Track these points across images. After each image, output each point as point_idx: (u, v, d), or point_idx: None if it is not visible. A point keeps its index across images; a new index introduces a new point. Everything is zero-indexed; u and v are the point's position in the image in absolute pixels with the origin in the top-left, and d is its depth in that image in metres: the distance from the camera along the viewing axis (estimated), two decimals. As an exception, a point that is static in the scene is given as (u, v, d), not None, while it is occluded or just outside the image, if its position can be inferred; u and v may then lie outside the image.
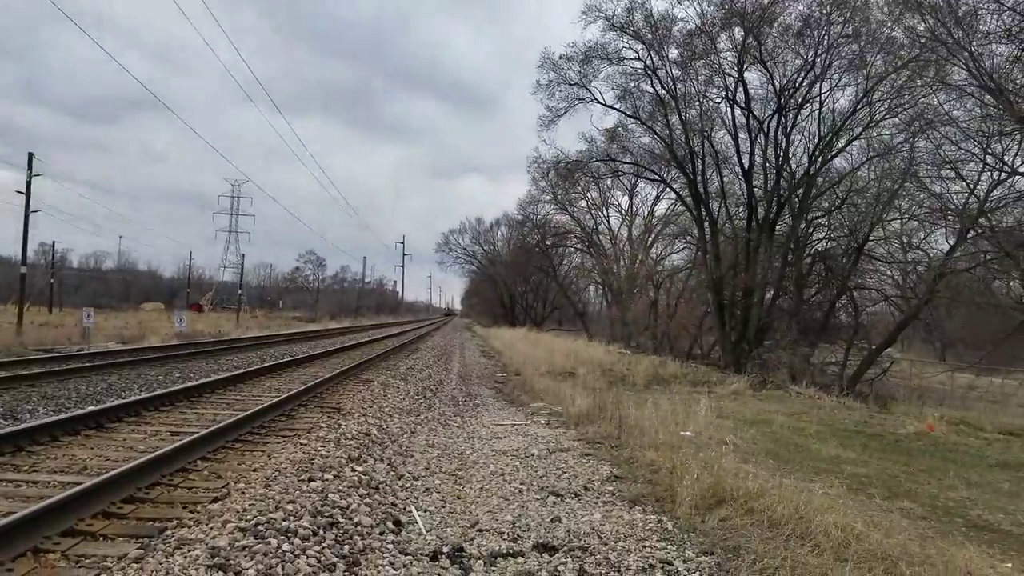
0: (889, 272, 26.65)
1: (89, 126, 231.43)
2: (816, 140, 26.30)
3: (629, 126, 33.17)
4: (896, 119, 23.93)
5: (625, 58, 29.45)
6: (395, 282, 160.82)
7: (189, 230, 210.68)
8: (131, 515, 4.94)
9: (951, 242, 22.79)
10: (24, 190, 28.86)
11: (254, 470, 6.29)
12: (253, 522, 4.65)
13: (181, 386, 11.27)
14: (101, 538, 4.49)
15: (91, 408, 8.62)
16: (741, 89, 27.17)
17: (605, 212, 49.81)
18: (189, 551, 4.14)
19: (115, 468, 5.77)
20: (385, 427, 9.26)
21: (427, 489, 6.61)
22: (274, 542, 4.37)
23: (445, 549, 4.91)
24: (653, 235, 45.64)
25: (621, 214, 50.23)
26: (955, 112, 21.37)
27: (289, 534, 4.55)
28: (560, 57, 30.62)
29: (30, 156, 29.03)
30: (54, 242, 67.00)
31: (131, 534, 4.56)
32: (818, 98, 26.04)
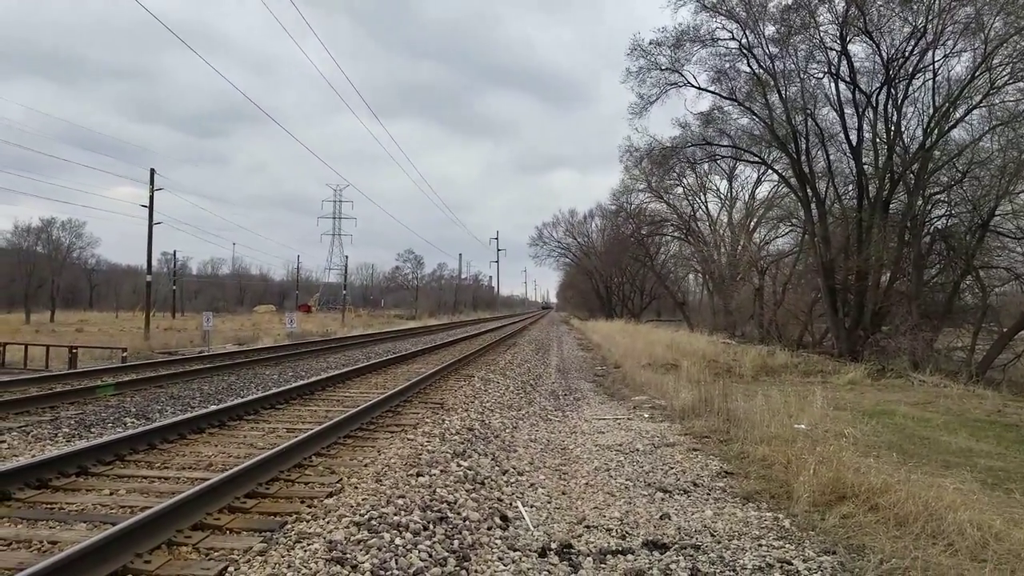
0: (1020, 249, 24.63)
1: (199, 139, 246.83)
2: (931, 111, 24.60)
3: (725, 108, 32.10)
4: (1021, 83, 22.06)
5: (719, 39, 28.50)
6: (490, 277, 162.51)
7: (296, 235, 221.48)
8: (253, 510, 5.20)
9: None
10: (148, 204, 31.02)
11: (365, 465, 6.50)
12: (367, 516, 4.79)
13: (294, 384, 11.81)
14: (228, 532, 4.74)
15: (214, 407, 9.15)
16: (845, 63, 25.76)
17: (703, 198, 48.52)
18: (308, 545, 4.31)
19: (238, 464, 6.09)
20: (488, 422, 9.38)
21: (532, 484, 6.63)
22: (387, 536, 4.49)
23: (553, 545, 4.90)
24: (755, 219, 44.09)
25: (720, 199, 48.86)
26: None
27: (401, 528, 4.66)
28: (650, 43, 29.95)
29: (151, 172, 31.19)
30: (175, 251, 71.41)
31: (254, 528, 4.79)
32: (931, 67, 24.33)
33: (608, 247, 66.71)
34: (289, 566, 3.99)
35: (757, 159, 34.66)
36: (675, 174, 44.01)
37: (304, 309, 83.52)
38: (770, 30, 27.34)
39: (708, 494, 6.27)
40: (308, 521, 4.81)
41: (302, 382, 12.19)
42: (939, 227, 26.21)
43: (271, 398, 10.17)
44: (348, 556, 4.14)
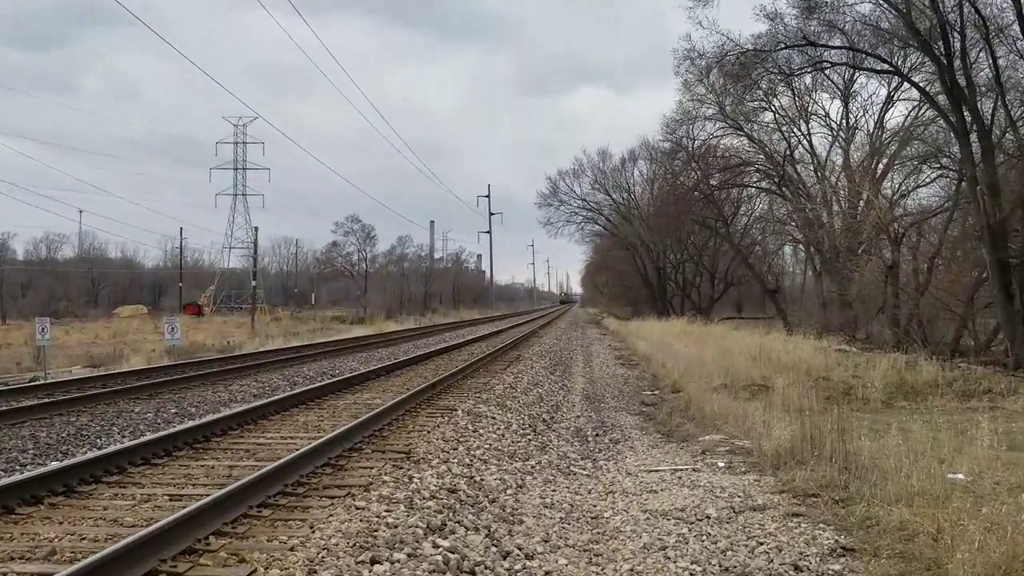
0: None
1: (27, 52, 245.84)
2: None
3: (836, -12, 32.04)
4: None
5: None
6: (479, 257, 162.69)
7: (181, 197, 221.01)
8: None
9: None
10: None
11: (292, 549, 6.53)
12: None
13: (179, 427, 11.78)
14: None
15: (55, 465, 9.16)
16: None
17: (804, 128, 48.38)
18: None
19: (94, 552, 6.11)
20: (478, 478, 9.40)
21: (548, 574, 6.66)
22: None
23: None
24: (885, 160, 44.00)
25: (831, 130, 48.59)
26: None
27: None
28: None
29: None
30: (-10, 225, 71.30)
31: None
32: None
33: (660, 207, 66.26)
34: None
35: (887, 66, 34.57)
36: (761, 93, 43.86)
37: (192, 311, 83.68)
38: None
39: (818, 583, 6.30)
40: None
41: (191, 423, 12.17)
42: None
43: (144, 448, 10.18)
44: None
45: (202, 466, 9.85)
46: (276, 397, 15.34)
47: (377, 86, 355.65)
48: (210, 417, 12.79)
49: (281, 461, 9.02)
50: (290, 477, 8.88)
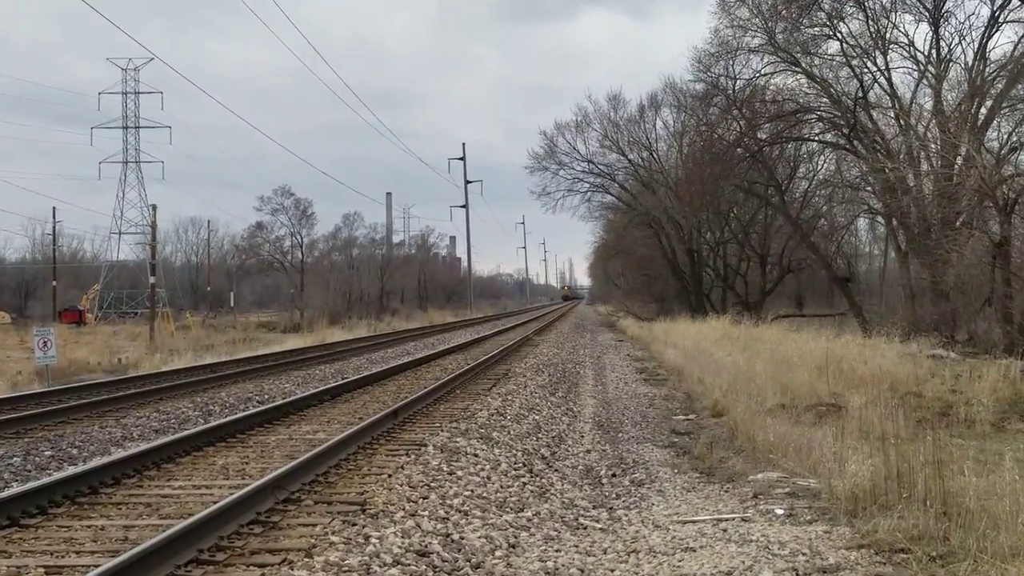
0: None
1: None
2: None
3: None
4: None
5: None
6: (452, 240, 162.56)
7: (46, 166, 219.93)
8: None
9: None
10: None
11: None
12: None
13: (58, 475, 11.73)
14: None
15: None
16: None
17: (882, 62, 48.44)
18: None
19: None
20: (457, 537, 9.39)
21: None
22: None
23: None
24: (990, 102, 44.06)
25: (917, 64, 48.64)
26: None
27: None
28: None
29: None
30: None
31: None
32: None
33: (692, 169, 66.00)
34: None
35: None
36: (823, 15, 43.95)
37: (71, 318, 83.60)
38: None
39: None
40: None
41: (73, 470, 12.11)
42: None
43: (8, 505, 10.10)
44: None
45: (88, 527, 9.82)
46: (185, 433, 15.31)
47: (313, 11, 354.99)
48: (98, 461, 12.75)
49: (194, 519, 8.99)
50: (206, 540, 8.85)
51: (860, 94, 47.54)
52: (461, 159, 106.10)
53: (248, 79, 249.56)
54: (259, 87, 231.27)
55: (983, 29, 44.84)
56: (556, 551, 9.60)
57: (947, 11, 45.46)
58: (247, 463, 13.39)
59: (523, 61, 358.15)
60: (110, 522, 9.99)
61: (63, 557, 8.70)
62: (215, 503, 9.72)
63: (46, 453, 14.68)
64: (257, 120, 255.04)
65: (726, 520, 10.75)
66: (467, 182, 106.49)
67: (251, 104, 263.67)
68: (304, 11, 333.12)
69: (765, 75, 50.51)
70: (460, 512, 10.45)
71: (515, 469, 13.53)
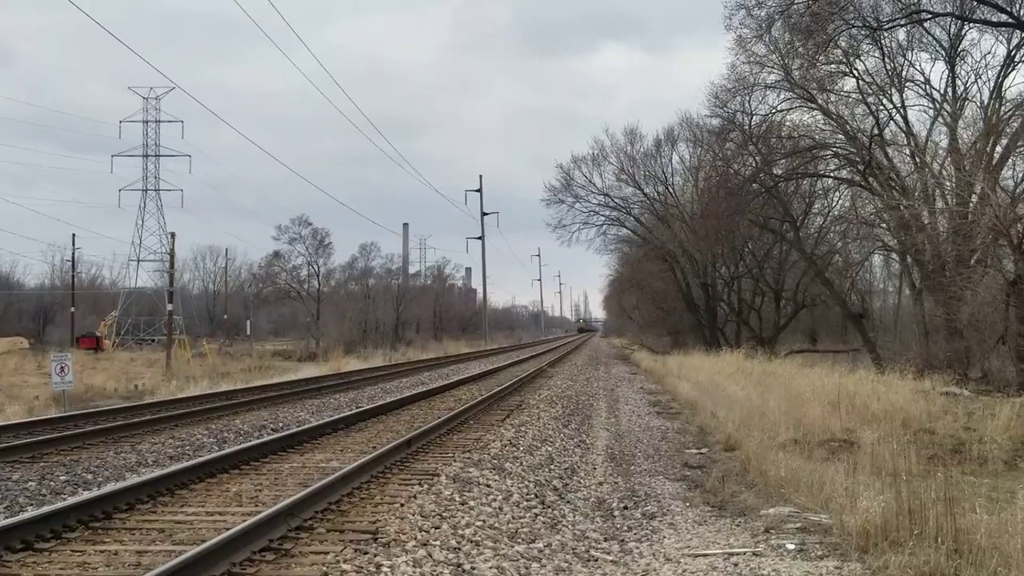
0: None
1: None
2: None
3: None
4: None
5: None
6: (467, 271, 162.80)
7: (67, 194, 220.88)
8: None
9: None
10: None
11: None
12: None
13: (72, 500, 11.75)
14: None
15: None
16: None
17: (897, 100, 48.42)
18: None
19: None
20: (468, 567, 9.40)
21: None
22: None
23: None
24: (1005, 141, 44.00)
25: (932, 102, 48.61)
26: None
27: None
28: None
29: None
30: None
31: None
32: None
33: (707, 204, 65.98)
34: None
35: (1005, 17, 34.61)
36: (840, 52, 43.97)
37: (88, 343, 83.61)
38: None
39: None
40: None
41: (88, 495, 12.10)
42: None
43: (23, 529, 10.11)
44: None
45: (101, 552, 9.83)
46: (200, 459, 15.31)
47: (328, 38, 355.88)
48: (113, 486, 12.75)
49: (206, 545, 9.00)
50: (218, 566, 8.86)
51: (876, 131, 47.47)
52: (478, 191, 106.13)
53: (270, 106, 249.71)
54: (279, 116, 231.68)
55: (999, 68, 44.90)
56: (567, 582, 9.59)
57: (963, 50, 45.49)
58: (260, 490, 13.39)
59: (540, 93, 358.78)
60: (123, 547, 10.01)
61: (76, 581, 8.72)
62: (228, 530, 9.74)
63: (61, 478, 14.70)
64: (273, 148, 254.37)
65: (737, 554, 10.73)
66: (483, 213, 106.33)
67: (269, 131, 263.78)
68: (319, 38, 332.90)
69: (781, 111, 50.44)
70: (472, 542, 10.45)
71: (527, 500, 13.51)
